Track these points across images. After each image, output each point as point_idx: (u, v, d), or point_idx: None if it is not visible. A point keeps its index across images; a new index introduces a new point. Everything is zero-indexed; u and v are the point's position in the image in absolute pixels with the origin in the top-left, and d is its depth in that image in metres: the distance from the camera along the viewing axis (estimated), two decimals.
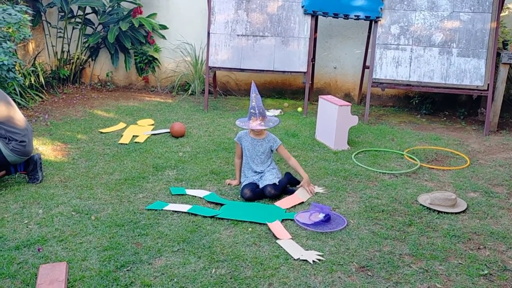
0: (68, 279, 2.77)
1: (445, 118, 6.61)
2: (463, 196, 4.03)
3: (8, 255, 2.99)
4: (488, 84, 5.80)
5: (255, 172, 4.04)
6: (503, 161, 4.87)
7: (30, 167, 4.03)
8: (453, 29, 5.90)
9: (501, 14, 6.13)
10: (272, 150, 4.07)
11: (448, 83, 5.92)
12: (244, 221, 3.48)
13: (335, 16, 6.20)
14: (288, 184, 4.03)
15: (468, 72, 5.87)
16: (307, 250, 3.13)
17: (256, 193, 3.85)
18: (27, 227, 3.35)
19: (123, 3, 7.27)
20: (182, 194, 3.92)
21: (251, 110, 3.94)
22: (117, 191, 3.94)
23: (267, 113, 4.10)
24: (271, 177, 3.94)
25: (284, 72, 6.37)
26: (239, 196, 3.90)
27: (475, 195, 4.08)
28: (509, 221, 3.61)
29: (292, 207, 3.76)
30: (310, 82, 6.63)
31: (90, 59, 7.67)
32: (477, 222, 3.58)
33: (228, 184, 4.12)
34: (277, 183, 3.91)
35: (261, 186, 3.93)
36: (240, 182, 4.10)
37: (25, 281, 2.75)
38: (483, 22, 5.82)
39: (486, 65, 5.82)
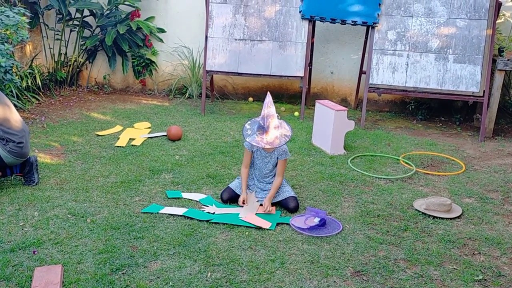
0: (63, 282, 2.76)
1: (440, 124, 6.64)
2: (458, 201, 4.05)
3: (3, 257, 2.98)
4: (484, 91, 5.84)
5: (264, 177, 3.91)
6: (498, 167, 4.89)
7: (26, 169, 4.03)
8: (450, 36, 5.93)
9: (497, 21, 6.17)
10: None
11: (444, 89, 5.95)
12: (240, 225, 3.48)
13: (333, 21, 6.23)
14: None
15: (464, 78, 5.90)
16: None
17: (232, 196, 3.84)
18: (22, 229, 3.34)
19: (121, 6, 7.28)
20: (178, 198, 3.92)
21: (260, 122, 3.72)
22: (113, 194, 3.94)
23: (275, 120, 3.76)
24: (287, 188, 3.87)
25: (281, 76, 6.38)
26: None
27: (470, 200, 4.10)
28: (504, 226, 3.63)
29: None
30: (307, 86, 6.64)
31: (87, 62, 7.66)
32: (472, 228, 3.60)
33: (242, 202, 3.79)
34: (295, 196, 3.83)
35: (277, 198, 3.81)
36: (246, 194, 3.81)
37: (20, 283, 2.74)
38: (479, 29, 5.86)
39: (482, 71, 5.85)
